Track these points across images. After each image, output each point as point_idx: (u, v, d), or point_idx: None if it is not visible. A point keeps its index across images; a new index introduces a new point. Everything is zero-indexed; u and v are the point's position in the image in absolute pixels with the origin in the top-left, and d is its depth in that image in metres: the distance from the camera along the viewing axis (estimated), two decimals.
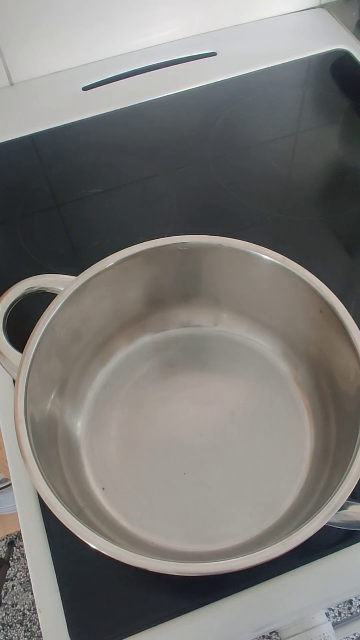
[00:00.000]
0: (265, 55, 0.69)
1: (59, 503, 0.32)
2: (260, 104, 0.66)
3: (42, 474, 0.33)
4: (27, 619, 1.01)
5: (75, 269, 0.41)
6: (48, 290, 0.41)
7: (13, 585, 1.04)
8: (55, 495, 0.33)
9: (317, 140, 0.63)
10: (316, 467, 0.40)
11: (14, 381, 0.37)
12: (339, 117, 0.65)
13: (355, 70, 0.68)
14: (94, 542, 0.32)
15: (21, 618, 1.01)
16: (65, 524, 0.32)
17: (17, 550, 1.07)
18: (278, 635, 0.41)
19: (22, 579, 1.04)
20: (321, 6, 0.75)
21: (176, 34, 0.71)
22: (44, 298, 0.40)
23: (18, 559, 1.06)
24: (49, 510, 0.32)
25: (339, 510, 0.32)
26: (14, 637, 0.99)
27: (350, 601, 0.99)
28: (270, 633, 0.79)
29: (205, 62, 0.70)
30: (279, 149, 0.61)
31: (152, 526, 0.39)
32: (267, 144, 0.62)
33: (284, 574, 0.38)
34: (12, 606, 1.02)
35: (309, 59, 0.70)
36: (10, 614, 1.01)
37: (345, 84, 0.67)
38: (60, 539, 0.40)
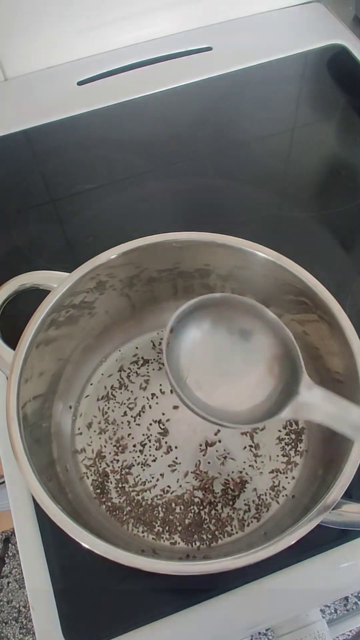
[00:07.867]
0: (261, 50, 0.69)
1: (51, 502, 0.32)
2: (256, 99, 0.65)
3: (34, 472, 0.33)
4: (23, 616, 1.01)
5: (69, 265, 0.41)
6: (42, 287, 0.41)
7: (8, 582, 1.04)
8: (47, 494, 0.32)
9: (313, 136, 0.62)
10: (310, 465, 0.40)
11: (7, 378, 0.37)
12: (335, 112, 0.64)
13: (352, 66, 0.68)
14: (86, 541, 0.31)
15: (17, 615, 1.01)
16: (57, 522, 0.32)
17: (13, 547, 1.06)
18: (273, 633, 0.41)
19: (18, 576, 1.04)
20: (318, 0, 0.75)
21: (171, 28, 0.71)
22: (37, 295, 0.40)
23: (14, 555, 1.06)
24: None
25: (333, 509, 0.32)
26: (9, 634, 0.99)
27: (346, 598, 0.99)
28: (266, 630, 0.79)
29: (200, 56, 0.69)
30: (275, 144, 0.61)
31: (148, 525, 0.39)
32: (263, 139, 0.62)
33: (278, 572, 0.38)
34: (8, 603, 1.02)
35: (306, 54, 0.69)
36: (5, 611, 1.01)
37: (342, 79, 0.67)
38: (53, 537, 0.39)
